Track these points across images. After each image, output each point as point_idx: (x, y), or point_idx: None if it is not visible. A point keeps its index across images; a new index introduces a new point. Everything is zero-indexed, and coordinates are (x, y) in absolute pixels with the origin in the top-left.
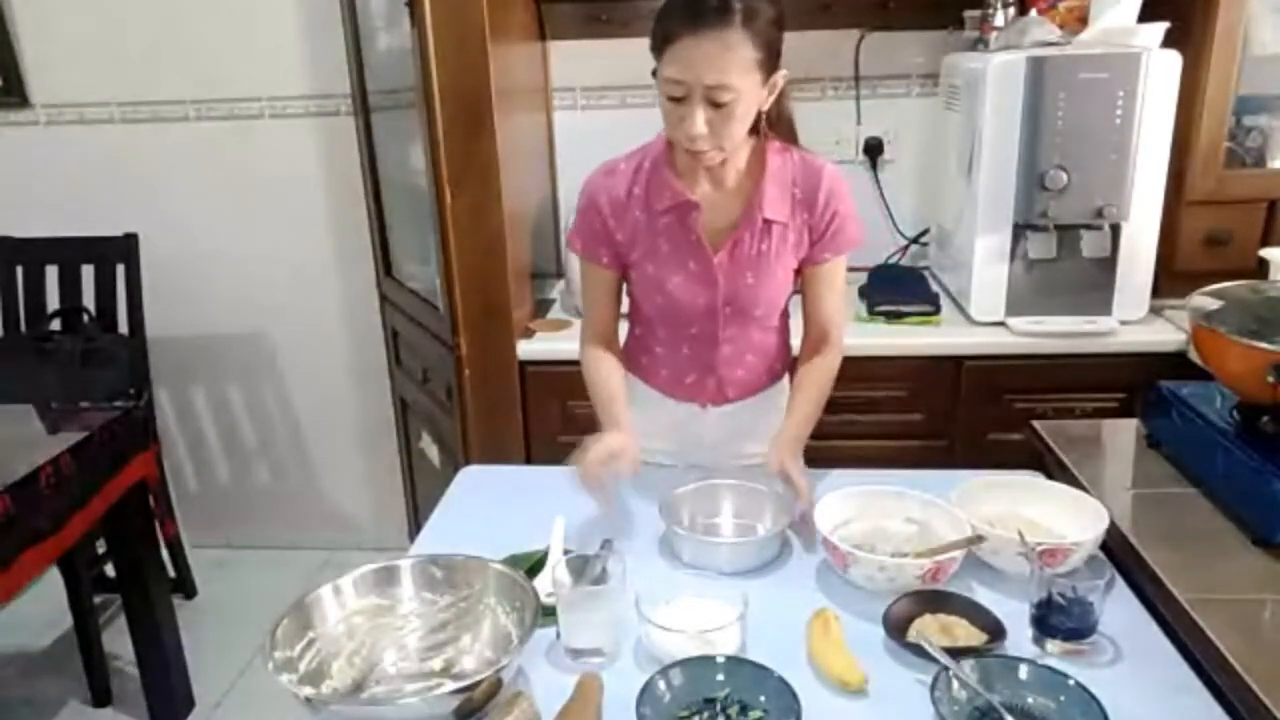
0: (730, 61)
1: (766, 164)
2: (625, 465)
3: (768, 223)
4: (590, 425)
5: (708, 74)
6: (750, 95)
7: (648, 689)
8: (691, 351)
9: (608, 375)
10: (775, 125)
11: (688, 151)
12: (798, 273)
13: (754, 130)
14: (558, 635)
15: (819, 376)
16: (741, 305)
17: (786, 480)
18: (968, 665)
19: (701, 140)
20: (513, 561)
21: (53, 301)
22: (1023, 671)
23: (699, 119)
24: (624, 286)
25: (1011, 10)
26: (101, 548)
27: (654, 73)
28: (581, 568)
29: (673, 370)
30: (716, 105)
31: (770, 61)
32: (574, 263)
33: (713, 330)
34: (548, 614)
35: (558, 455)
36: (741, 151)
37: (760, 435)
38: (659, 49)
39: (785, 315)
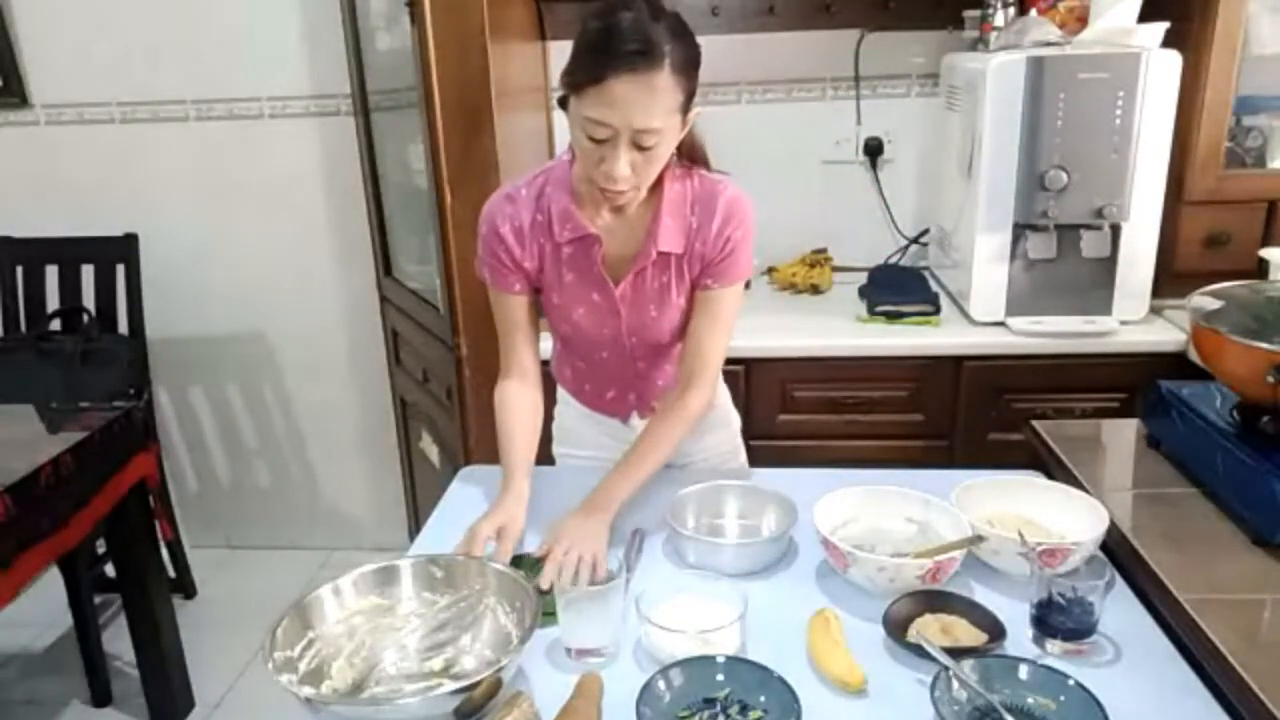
0: (658, 105)
1: (664, 194)
2: (505, 547)
3: (663, 255)
4: None
5: (637, 118)
6: (671, 135)
7: (648, 689)
8: (608, 372)
9: (515, 424)
10: (686, 153)
11: (602, 191)
12: None
13: None
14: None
15: (661, 431)
16: (646, 337)
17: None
18: (968, 665)
19: (624, 181)
20: (518, 564)
21: (53, 301)
22: (1023, 671)
23: (623, 161)
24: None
25: (1011, 10)
26: (101, 548)
27: (561, 102)
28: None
29: (594, 385)
30: (641, 148)
31: (689, 101)
32: None
33: (623, 353)
34: (548, 614)
35: None
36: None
37: (698, 432)
38: (578, 86)
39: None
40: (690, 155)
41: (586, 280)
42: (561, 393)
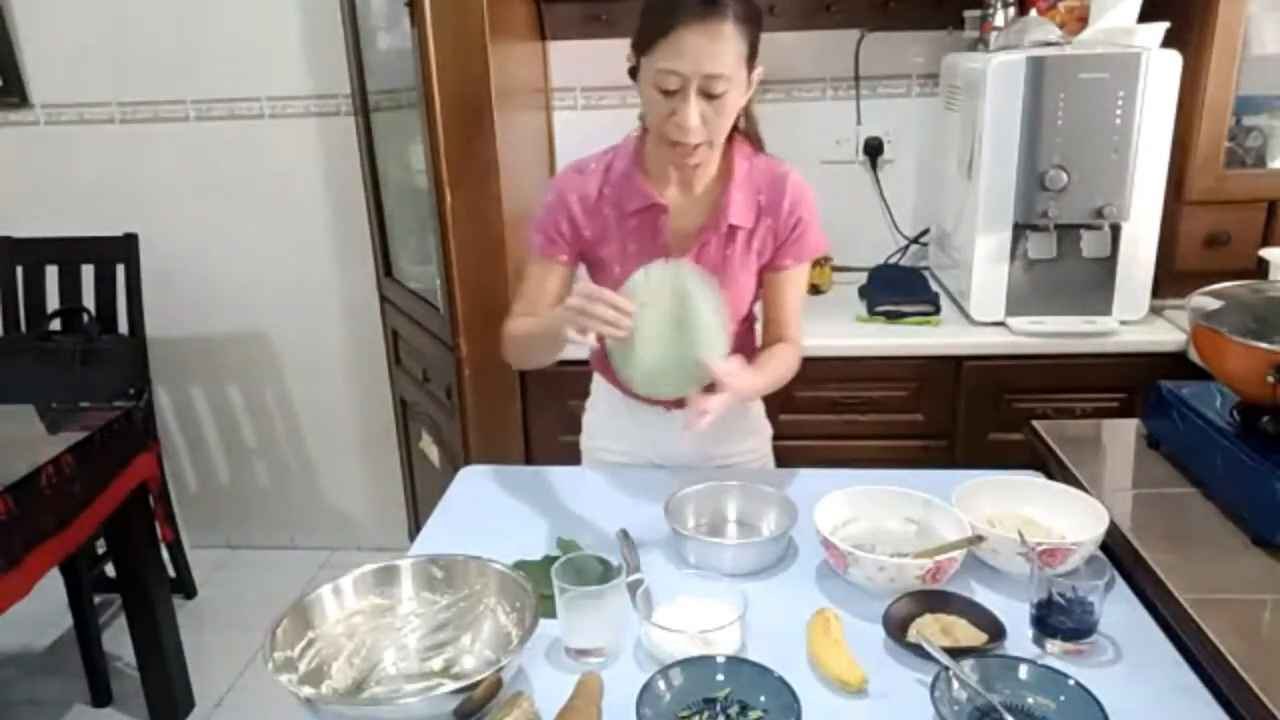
0: (725, 52)
1: (734, 170)
2: (606, 296)
3: (732, 228)
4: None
5: (706, 63)
6: (739, 89)
7: (648, 689)
8: None
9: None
10: (744, 131)
11: (675, 148)
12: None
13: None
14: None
15: (780, 353)
16: None
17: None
18: (968, 665)
19: (695, 133)
20: (520, 567)
21: (53, 301)
22: (1023, 671)
23: (693, 110)
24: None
25: (1011, 10)
26: (101, 548)
27: (631, 72)
28: (597, 566)
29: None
30: (710, 97)
31: (753, 58)
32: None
33: None
34: (546, 598)
35: (558, 455)
36: (712, 156)
37: (730, 438)
38: (649, 43)
39: (751, 319)
40: (751, 134)
41: (650, 250)
42: (598, 386)
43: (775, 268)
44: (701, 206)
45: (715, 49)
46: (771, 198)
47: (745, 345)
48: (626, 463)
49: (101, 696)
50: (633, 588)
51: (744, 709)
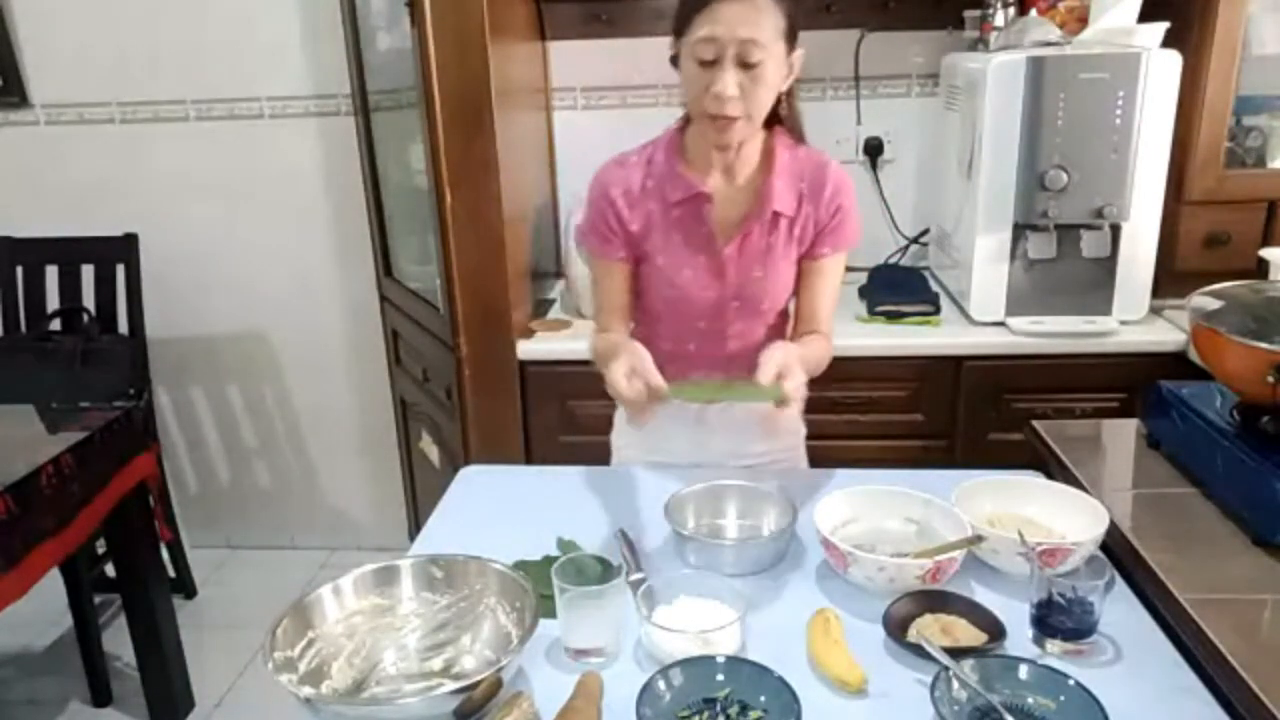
0: (762, 20)
1: (775, 158)
2: (649, 379)
3: (776, 216)
4: (589, 425)
5: (741, 28)
6: (777, 64)
7: (648, 689)
8: (698, 349)
9: (618, 338)
10: (786, 121)
11: (715, 122)
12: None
13: (767, 124)
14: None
15: (814, 341)
16: (749, 299)
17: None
18: (968, 665)
19: (733, 104)
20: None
21: (53, 301)
22: (1023, 671)
23: (730, 79)
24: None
25: (1011, 10)
26: (101, 548)
27: (673, 60)
28: (597, 566)
29: (678, 368)
30: (747, 66)
31: (791, 37)
32: (575, 262)
33: (720, 326)
34: (546, 598)
35: (558, 455)
36: (753, 144)
37: (765, 436)
38: (688, 19)
39: (786, 313)
40: (793, 125)
41: (694, 241)
42: None
43: (813, 255)
44: (744, 195)
45: (751, 16)
46: (813, 185)
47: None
48: (658, 461)
49: (101, 696)
50: (635, 586)
51: (744, 709)
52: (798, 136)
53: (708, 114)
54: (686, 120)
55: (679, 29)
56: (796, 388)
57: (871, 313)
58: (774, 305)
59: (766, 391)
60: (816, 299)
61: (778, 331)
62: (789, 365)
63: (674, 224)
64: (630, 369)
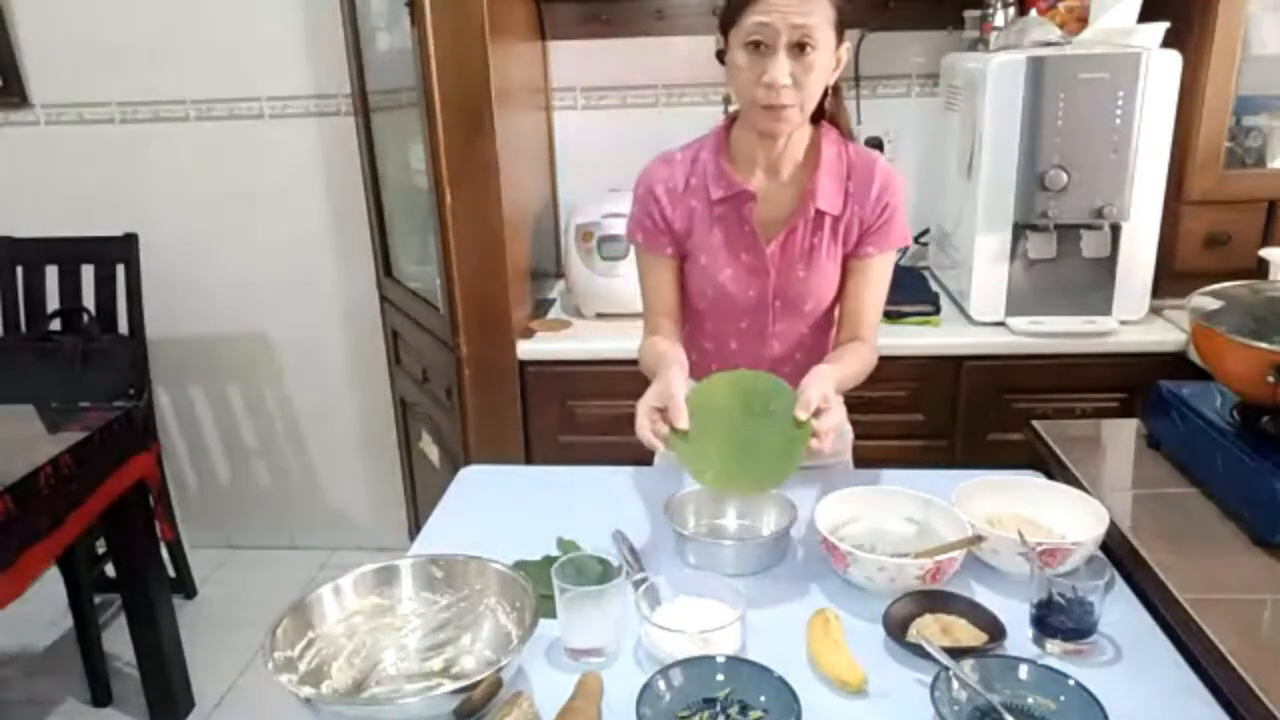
0: (813, 8)
1: (821, 156)
2: (675, 418)
3: (820, 214)
4: (589, 425)
5: (794, 14)
6: (827, 53)
7: (648, 689)
8: (740, 347)
9: (663, 349)
10: (832, 116)
11: (767, 111)
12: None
13: (813, 120)
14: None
15: (856, 351)
16: (791, 298)
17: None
18: (968, 665)
19: (786, 92)
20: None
21: (53, 301)
22: (1023, 671)
23: (782, 66)
24: None
25: (1011, 10)
26: (101, 548)
27: (719, 55)
28: (597, 566)
29: (721, 367)
30: (799, 52)
31: (840, 28)
32: (575, 262)
33: (763, 325)
34: (546, 598)
35: (558, 455)
36: (799, 139)
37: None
38: (739, 11)
39: (832, 315)
40: (840, 123)
41: (737, 239)
42: None
43: (858, 255)
44: (789, 193)
45: (804, 4)
46: (860, 184)
47: (822, 343)
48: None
49: (101, 696)
50: (635, 586)
51: (744, 709)
52: (845, 133)
53: (760, 104)
54: (731, 119)
55: (727, 22)
56: (830, 428)
57: None
58: (818, 306)
59: (797, 437)
60: (861, 301)
61: (822, 331)
62: (827, 398)
63: (716, 221)
64: (659, 399)
